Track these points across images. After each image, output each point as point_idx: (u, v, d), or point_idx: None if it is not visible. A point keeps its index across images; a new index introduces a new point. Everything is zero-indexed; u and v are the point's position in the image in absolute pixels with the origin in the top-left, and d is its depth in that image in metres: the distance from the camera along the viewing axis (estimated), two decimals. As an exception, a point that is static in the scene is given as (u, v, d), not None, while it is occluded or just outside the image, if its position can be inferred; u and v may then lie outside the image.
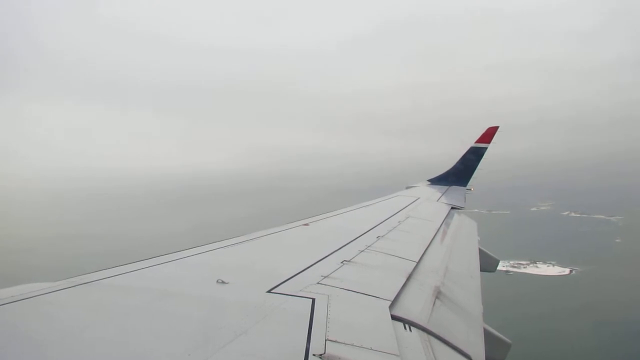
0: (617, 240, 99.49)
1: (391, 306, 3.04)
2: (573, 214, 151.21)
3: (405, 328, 2.78)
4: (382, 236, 5.63)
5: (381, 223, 6.68)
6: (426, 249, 5.34)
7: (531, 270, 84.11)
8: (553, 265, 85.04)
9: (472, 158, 14.55)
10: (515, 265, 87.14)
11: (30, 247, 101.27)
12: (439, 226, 7.34)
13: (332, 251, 4.47)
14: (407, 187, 13.92)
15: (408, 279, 3.87)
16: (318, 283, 3.32)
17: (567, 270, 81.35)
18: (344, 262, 4.09)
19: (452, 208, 10.04)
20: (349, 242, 5.03)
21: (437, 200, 11.29)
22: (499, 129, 14.57)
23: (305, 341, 2.21)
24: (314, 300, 2.87)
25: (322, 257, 4.17)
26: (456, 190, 13.54)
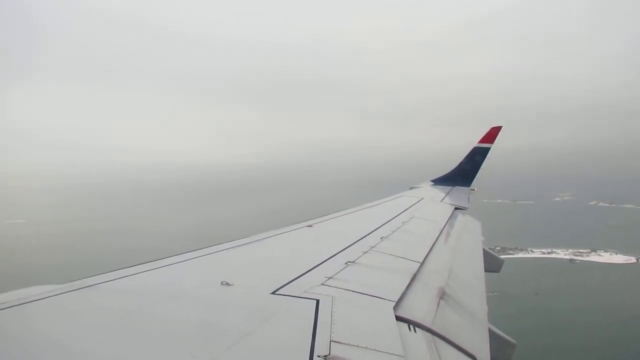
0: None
1: (395, 307, 3.03)
2: (602, 204, 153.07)
3: (409, 329, 2.77)
4: (386, 237, 5.62)
5: (385, 224, 6.67)
6: (430, 249, 5.32)
7: (595, 258, 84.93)
8: (615, 253, 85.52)
9: (475, 158, 14.52)
10: (577, 253, 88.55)
11: (72, 243, 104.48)
12: (442, 227, 7.31)
13: (336, 252, 4.47)
14: (411, 188, 13.89)
15: (412, 279, 3.86)
16: (322, 284, 3.32)
17: (633, 259, 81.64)
18: (348, 263, 4.09)
19: (455, 208, 10.01)
20: (353, 243, 5.02)
21: (441, 201, 11.26)
22: (502, 129, 14.54)
23: (310, 342, 2.21)
24: (318, 301, 2.86)
25: (326, 259, 4.16)
26: (460, 190, 13.50)
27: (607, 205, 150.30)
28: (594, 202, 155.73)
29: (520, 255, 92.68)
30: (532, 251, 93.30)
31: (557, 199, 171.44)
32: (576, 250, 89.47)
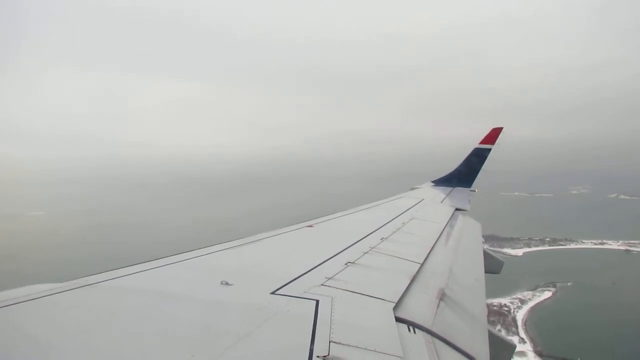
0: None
1: (395, 308, 3.04)
2: (622, 196, 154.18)
3: (409, 330, 2.77)
4: (386, 238, 5.62)
5: (385, 224, 6.67)
6: (430, 250, 5.32)
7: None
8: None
9: (476, 159, 14.51)
10: (630, 244, 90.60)
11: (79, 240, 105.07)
12: (443, 228, 7.31)
13: (336, 253, 4.47)
14: (411, 188, 13.90)
15: (412, 280, 3.86)
16: (322, 285, 3.32)
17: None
18: (348, 263, 4.09)
19: (456, 210, 10.00)
20: (353, 244, 5.03)
21: (441, 202, 11.26)
22: (502, 130, 14.52)
23: (309, 343, 2.21)
24: (317, 301, 2.87)
25: (326, 259, 4.17)
26: (460, 191, 13.50)
27: (628, 197, 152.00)
28: (614, 195, 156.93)
29: (573, 246, 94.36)
30: (582, 242, 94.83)
31: (574, 191, 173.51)
32: (628, 242, 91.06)
